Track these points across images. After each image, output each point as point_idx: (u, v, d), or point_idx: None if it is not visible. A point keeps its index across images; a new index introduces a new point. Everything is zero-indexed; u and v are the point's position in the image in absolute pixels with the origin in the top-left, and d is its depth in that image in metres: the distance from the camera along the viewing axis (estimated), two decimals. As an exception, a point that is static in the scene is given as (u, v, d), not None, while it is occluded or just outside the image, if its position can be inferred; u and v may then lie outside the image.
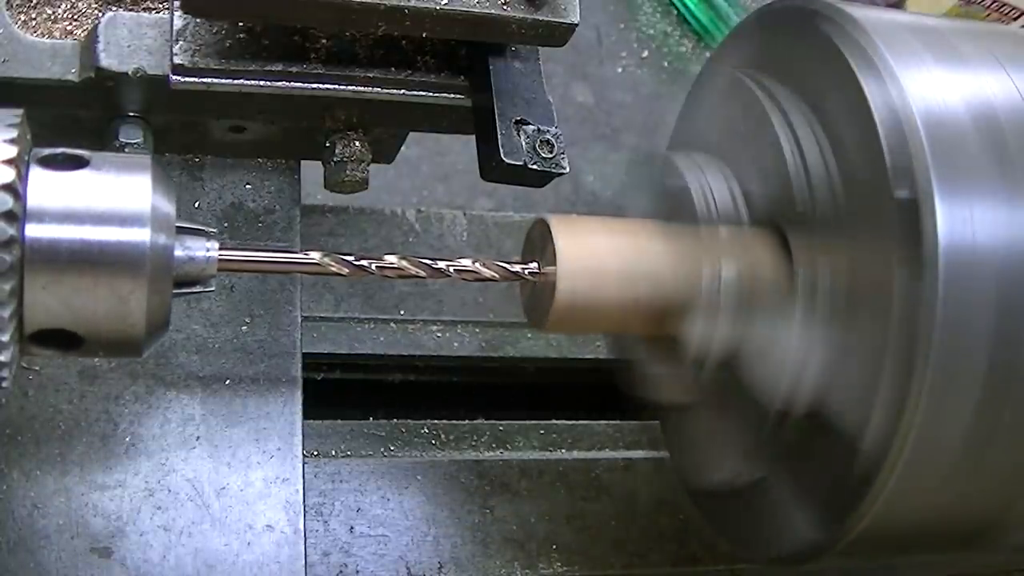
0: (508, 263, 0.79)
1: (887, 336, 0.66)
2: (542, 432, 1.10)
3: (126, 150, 0.87)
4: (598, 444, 1.10)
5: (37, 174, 0.62)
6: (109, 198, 0.63)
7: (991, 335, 0.65)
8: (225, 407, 0.87)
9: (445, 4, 0.79)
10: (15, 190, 0.59)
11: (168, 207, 0.65)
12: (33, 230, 0.61)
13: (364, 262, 0.75)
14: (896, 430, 0.66)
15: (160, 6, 0.88)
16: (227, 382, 0.88)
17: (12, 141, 0.60)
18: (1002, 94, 0.71)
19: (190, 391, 0.87)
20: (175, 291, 0.67)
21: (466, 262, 0.78)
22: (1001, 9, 2.43)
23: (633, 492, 1.05)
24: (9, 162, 0.59)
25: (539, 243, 0.78)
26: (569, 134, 1.46)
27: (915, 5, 2.52)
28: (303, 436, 0.88)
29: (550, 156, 0.84)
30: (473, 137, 0.88)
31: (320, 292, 1.09)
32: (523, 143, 0.84)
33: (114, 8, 0.87)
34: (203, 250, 0.69)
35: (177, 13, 0.82)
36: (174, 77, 0.83)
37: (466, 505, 1.00)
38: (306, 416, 0.89)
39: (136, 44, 0.84)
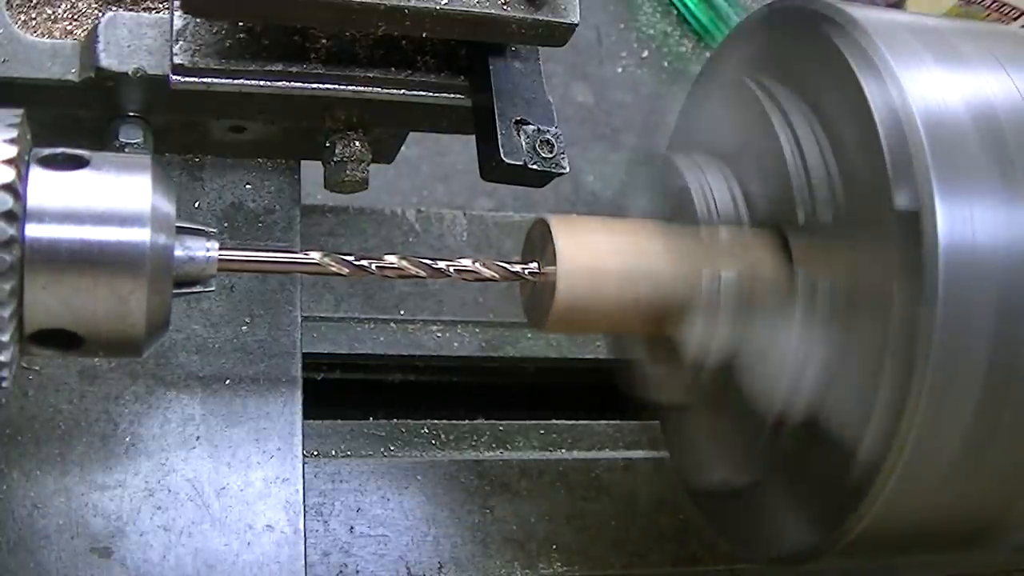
0: (508, 263, 0.79)
1: (887, 336, 0.66)
2: (542, 432, 1.10)
3: (126, 150, 0.87)
4: (598, 444, 1.10)
5: (37, 174, 0.62)
6: (109, 198, 0.63)
7: (991, 335, 0.65)
8: (225, 407, 0.87)
9: (445, 4, 0.79)
10: (15, 190, 0.59)
11: (168, 207, 0.65)
12: (33, 230, 0.61)
13: (364, 262, 0.75)
14: (896, 430, 0.66)
15: (160, 6, 0.88)
16: (227, 382, 0.88)
17: (12, 141, 0.60)
18: (1002, 94, 0.71)
19: (190, 391, 0.87)
20: (175, 291, 0.67)
21: (466, 262, 0.78)
22: (1001, 9, 2.43)
23: (633, 492, 1.05)
24: (9, 162, 0.59)
25: (539, 243, 0.78)
26: (569, 134, 1.46)
27: (915, 5, 2.52)
28: (303, 436, 0.88)
29: (550, 156, 0.84)
30: (473, 137, 0.88)
31: (320, 292, 1.09)
32: (523, 143, 0.84)
33: (114, 8, 0.87)
34: (203, 250, 0.69)
35: (177, 13, 0.82)
36: (174, 77, 0.83)
37: (466, 505, 1.00)
38: (306, 416, 0.89)
39: (136, 44, 0.84)
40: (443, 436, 1.06)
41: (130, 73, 0.83)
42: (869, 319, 0.68)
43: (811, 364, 0.72)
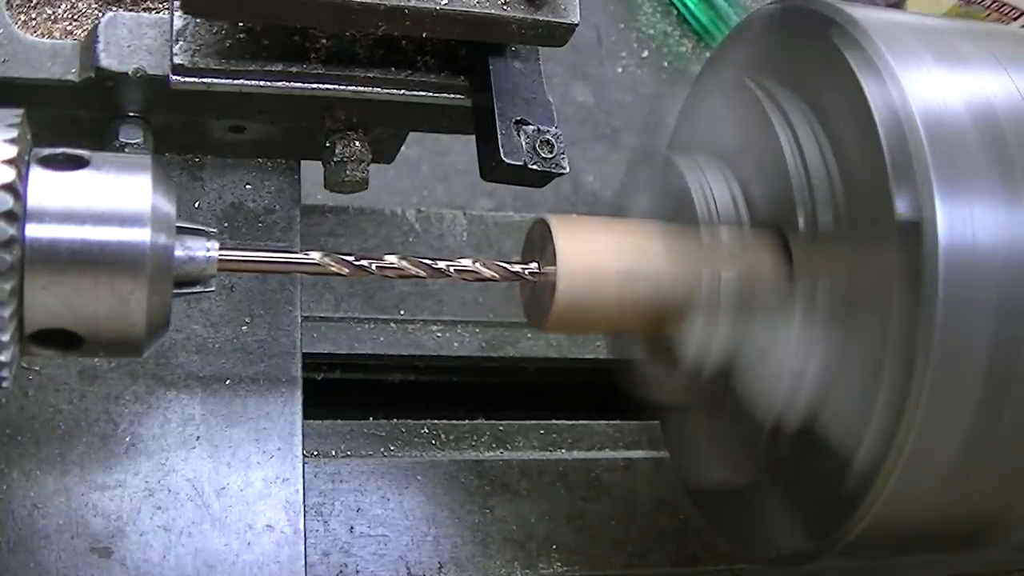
0: (508, 263, 0.79)
1: (887, 337, 0.66)
2: (542, 432, 1.10)
3: (126, 150, 0.87)
4: (598, 444, 1.10)
5: (37, 174, 0.62)
6: (109, 198, 0.63)
7: (991, 335, 0.65)
8: (225, 407, 0.87)
9: (445, 4, 0.79)
10: (15, 190, 0.59)
11: (168, 207, 0.65)
12: (33, 230, 0.61)
13: (364, 262, 0.75)
14: (896, 430, 0.66)
15: (160, 6, 0.88)
16: (227, 382, 0.88)
17: (12, 141, 0.60)
18: (1002, 94, 0.71)
19: (190, 391, 0.87)
20: (175, 291, 0.67)
21: (466, 262, 0.78)
22: (1001, 9, 2.43)
23: (633, 492, 1.05)
24: (9, 162, 0.59)
25: (539, 243, 0.78)
26: (569, 134, 1.46)
27: (915, 5, 2.51)
28: (303, 436, 0.88)
29: (550, 156, 0.84)
30: (473, 137, 0.88)
31: (320, 292, 1.09)
32: (523, 143, 0.84)
33: (114, 8, 0.87)
34: (203, 250, 0.69)
35: (177, 13, 0.82)
36: (174, 77, 0.83)
37: (466, 505, 1.00)
38: (306, 416, 0.89)
39: (136, 44, 0.84)
40: (443, 436, 1.06)
41: (130, 73, 0.83)
42: (869, 319, 0.68)
43: (811, 364, 0.72)
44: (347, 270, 0.75)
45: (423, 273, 0.77)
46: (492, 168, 0.84)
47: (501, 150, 0.83)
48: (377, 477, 0.99)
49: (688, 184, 0.80)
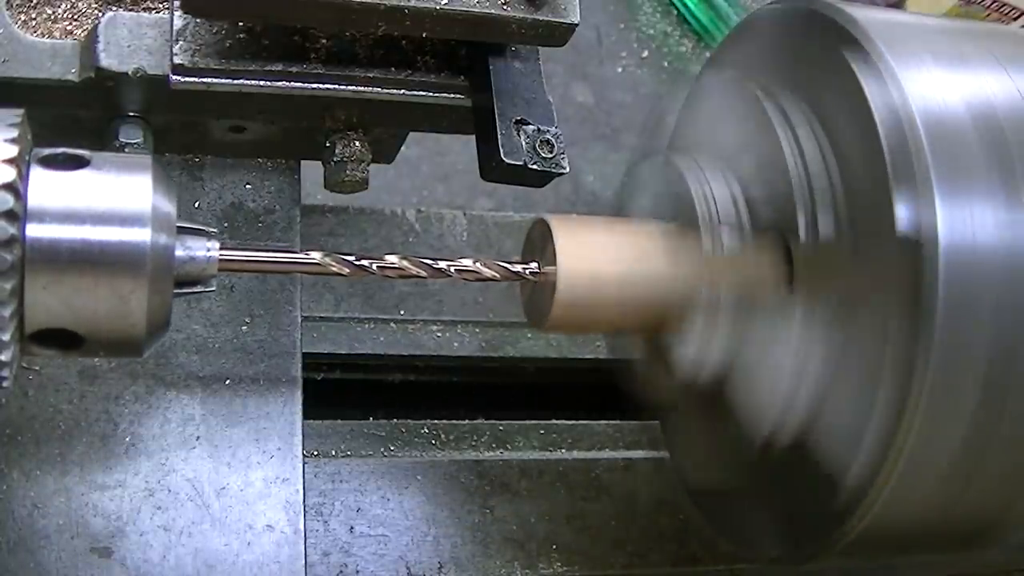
0: (508, 263, 0.79)
1: (887, 338, 0.66)
2: (542, 432, 1.10)
3: (126, 150, 0.87)
4: (598, 444, 1.10)
5: (38, 174, 0.62)
6: (110, 198, 0.63)
7: (991, 336, 0.65)
8: (225, 407, 0.87)
9: (445, 4, 0.79)
10: (16, 190, 0.59)
11: (169, 207, 0.65)
12: (34, 230, 0.61)
13: (364, 262, 0.75)
14: (896, 431, 0.66)
15: (160, 6, 0.88)
16: (227, 382, 0.88)
17: (13, 141, 0.60)
18: (1002, 94, 0.71)
19: (190, 391, 0.87)
20: (176, 291, 0.67)
21: (466, 262, 0.78)
22: (1001, 9, 2.43)
23: (633, 492, 1.05)
24: (10, 162, 0.59)
25: (539, 243, 0.78)
26: (569, 134, 1.46)
27: (915, 5, 2.51)
28: (303, 436, 0.88)
29: (550, 156, 0.84)
30: (473, 137, 0.88)
31: (320, 292, 1.09)
32: (523, 143, 0.84)
33: (114, 8, 0.87)
34: (204, 250, 0.69)
35: (177, 13, 0.82)
36: (174, 77, 0.83)
37: (466, 505, 1.00)
38: (306, 416, 0.89)
39: (136, 44, 0.84)
40: (443, 436, 1.06)
41: (130, 73, 0.83)
42: (869, 321, 0.68)
43: (811, 364, 0.72)
44: (347, 270, 0.75)
45: (423, 273, 0.77)
46: (492, 168, 0.84)
47: (501, 150, 0.83)
48: (377, 477, 0.99)
49: (688, 185, 0.80)
